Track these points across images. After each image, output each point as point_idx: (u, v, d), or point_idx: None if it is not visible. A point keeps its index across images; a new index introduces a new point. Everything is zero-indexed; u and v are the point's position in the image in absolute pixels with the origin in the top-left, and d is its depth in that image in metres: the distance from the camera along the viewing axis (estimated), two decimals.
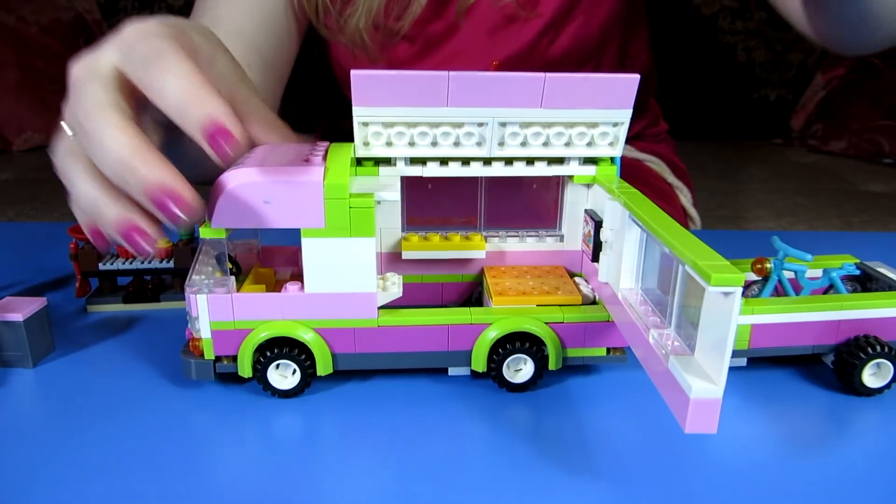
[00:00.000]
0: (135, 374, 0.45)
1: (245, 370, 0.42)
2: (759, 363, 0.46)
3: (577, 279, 0.47)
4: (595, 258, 0.44)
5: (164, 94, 0.36)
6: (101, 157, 0.36)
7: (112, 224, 0.37)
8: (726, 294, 0.29)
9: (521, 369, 0.43)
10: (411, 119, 0.42)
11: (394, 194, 0.43)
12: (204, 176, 0.52)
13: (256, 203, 0.39)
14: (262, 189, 0.39)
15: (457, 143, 0.44)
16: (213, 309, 0.41)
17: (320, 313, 0.42)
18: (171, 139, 0.43)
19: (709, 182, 1.62)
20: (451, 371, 0.45)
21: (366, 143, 0.43)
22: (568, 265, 0.49)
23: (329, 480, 0.35)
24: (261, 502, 0.34)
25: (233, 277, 0.42)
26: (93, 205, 0.38)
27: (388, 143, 0.43)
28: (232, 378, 0.43)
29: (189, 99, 0.36)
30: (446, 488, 0.35)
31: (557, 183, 0.48)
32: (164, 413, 0.41)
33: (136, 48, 0.38)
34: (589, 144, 0.45)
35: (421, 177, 0.45)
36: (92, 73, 0.38)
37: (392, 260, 0.48)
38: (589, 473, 0.36)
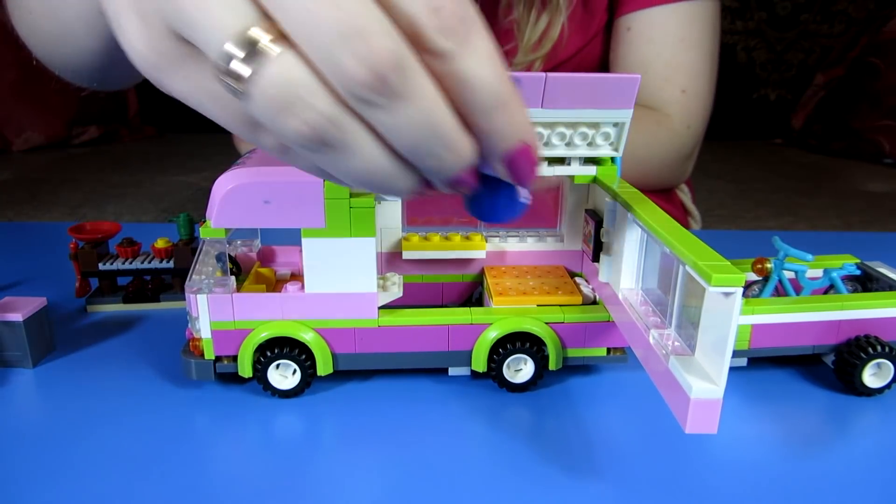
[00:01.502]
0: (135, 374, 0.45)
1: (245, 370, 0.42)
2: (760, 363, 0.46)
3: (577, 279, 0.47)
4: (595, 258, 0.44)
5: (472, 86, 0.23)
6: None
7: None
8: (727, 294, 0.29)
9: (521, 369, 0.43)
10: None
11: None
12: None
13: (257, 203, 0.39)
14: (263, 189, 0.39)
15: None
16: (214, 309, 0.41)
17: (320, 313, 0.42)
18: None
19: (709, 182, 1.62)
20: (452, 371, 0.45)
21: None
22: (568, 265, 0.49)
23: (329, 480, 0.35)
24: (261, 502, 0.34)
25: (233, 277, 0.42)
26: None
27: None
28: (232, 378, 0.43)
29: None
30: (446, 488, 0.35)
31: (558, 183, 0.48)
32: (164, 413, 0.41)
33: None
34: (590, 144, 0.44)
35: None
36: None
37: (392, 260, 0.48)
38: (589, 473, 0.36)
